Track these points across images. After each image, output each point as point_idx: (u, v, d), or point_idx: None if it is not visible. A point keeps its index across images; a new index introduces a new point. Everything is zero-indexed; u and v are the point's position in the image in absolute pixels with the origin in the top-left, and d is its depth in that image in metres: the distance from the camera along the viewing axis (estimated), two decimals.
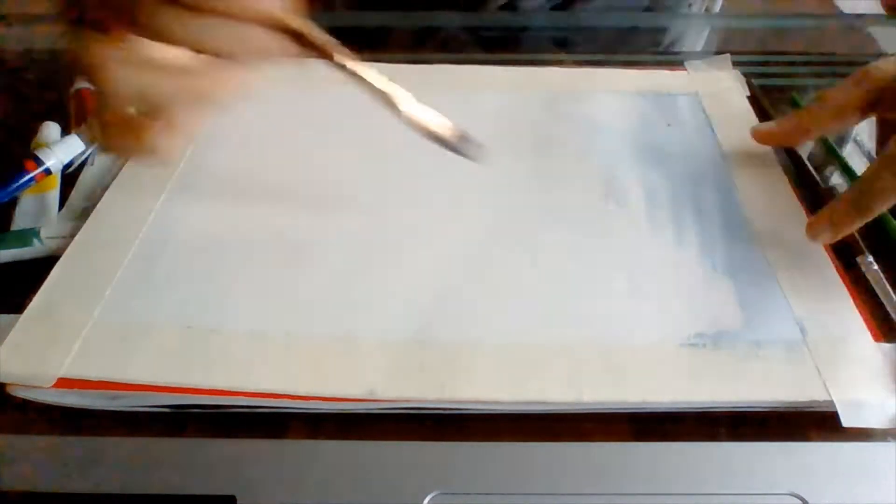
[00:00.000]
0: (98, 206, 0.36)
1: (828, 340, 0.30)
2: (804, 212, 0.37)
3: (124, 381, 0.28)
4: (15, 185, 0.37)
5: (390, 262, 0.34)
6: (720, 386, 0.28)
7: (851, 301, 0.32)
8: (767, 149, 0.41)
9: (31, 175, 0.37)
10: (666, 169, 0.40)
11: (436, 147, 0.40)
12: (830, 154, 0.42)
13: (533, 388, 0.28)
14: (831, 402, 0.27)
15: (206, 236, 0.35)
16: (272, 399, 0.28)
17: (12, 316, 0.30)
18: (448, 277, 0.33)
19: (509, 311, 0.31)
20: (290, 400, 0.27)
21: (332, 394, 0.28)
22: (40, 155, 0.38)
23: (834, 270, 0.33)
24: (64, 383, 0.28)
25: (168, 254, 0.34)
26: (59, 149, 0.39)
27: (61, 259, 0.33)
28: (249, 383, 0.28)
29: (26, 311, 0.30)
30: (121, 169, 0.39)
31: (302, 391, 0.28)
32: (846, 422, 0.27)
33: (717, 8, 0.68)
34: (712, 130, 0.43)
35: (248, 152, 0.41)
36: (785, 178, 0.39)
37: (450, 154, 0.40)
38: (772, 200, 0.37)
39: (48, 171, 0.38)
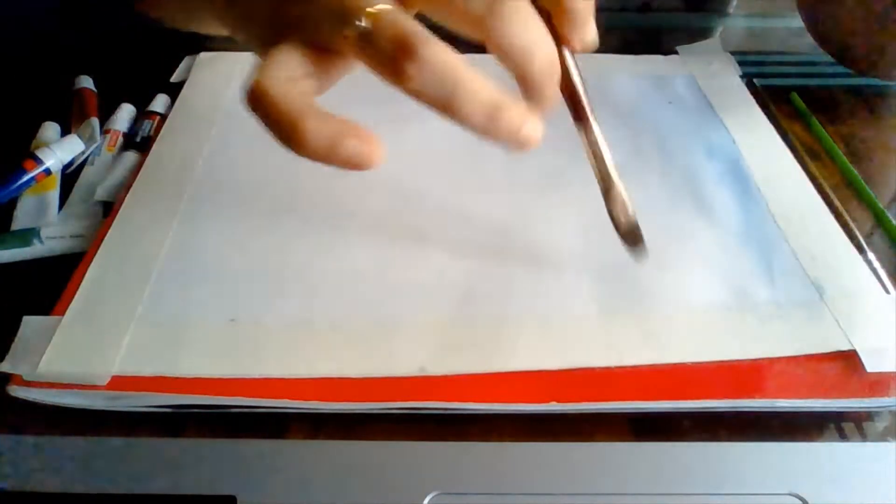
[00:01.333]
0: (125, 202, 0.36)
1: (844, 296, 0.32)
2: (809, 181, 0.38)
3: (178, 376, 0.28)
4: (15, 186, 0.37)
5: (426, 244, 0.34)
6: (748, 344, 0.29)
7: (861, 259, 0.33)
8: (767, 124, 0.42)
9: (30, 175, 0.37)
10: (673, 144, 0.41)
11: (459, 132, 0.40)
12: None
13: (575, 355, 0.29)
14: (854, 351, 0.29)
15: (237, 230, 0.35)
16: (272, 399, 0.28)
17: (53, 318, 0.30)
18: (484, 256, 0.34)
19: (544, 285, 0.32)
20: (290, 400, 0.27)
21: (388, 374, 0.28)
22: (40, 155, 0.38)
23: (843, 234, 0.35)
24: (118, 381, 0.28)
25: (202, 248, 0.34)
26: (59, 149, 0.39)
27: (95, 259, 0.33)
28: (301, 369, 0.28)
29: (67, 313, 0.30)
30: (140, 166, 0.39)
31: (352, 373, 0.28)
32: (870, 367, 0.28)
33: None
34: (711, 107, 0.44)
35: (266, 149, 0.40)
36: (787, 149, 0.40)
37: (456, 139, 0.40)
38: (777, 170, 0.39)
39: (48, 171, 0.38)
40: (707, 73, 0.48)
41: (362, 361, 0.29)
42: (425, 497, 0.25)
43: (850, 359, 0.29)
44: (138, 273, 0.33)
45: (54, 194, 0.38)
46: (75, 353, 0.29)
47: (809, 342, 0.30)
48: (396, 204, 0.37)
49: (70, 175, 0.39)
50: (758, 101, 0.46)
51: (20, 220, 0.36)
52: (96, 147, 0.40)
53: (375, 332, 0.30)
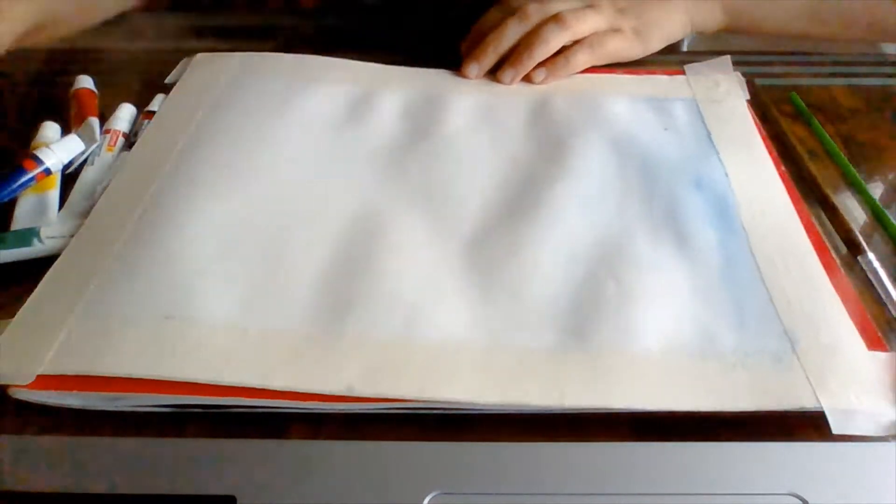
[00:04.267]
0: (94, 209, 0.36)
1: (819, 349, 0.30)
2: (801, 221, 0.36)
3: (100, 375, 0.28)
4: (15, 185, 0.37)
5: (374, 260, 0.33)
6: (705, 394, 0.28)
7: (844, 310, 0.31)
8: (766, 156, 0.40)
9: (30, 175, 0.37)
10: (661, 173, 0.39)
11: (426, 148, 0.40)
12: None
13: (514, 391, 0.28)
14: (821, 409, 0.27)
15: (190, 231, 0.34)
16: (273, 399, 0.27)
17: (6, 321, 0.30)
18: (434, 277, 0.32)
19: (494, 313, 0.31)
20: (290, 400, 0.27)
21: (310, 389, 0.27)
22: (40, 155, 0.38)
23: (827, 281, 0.33)
24: (43, 380, 0.28)
25: (151, 249, 0.33)
26: (59, 148, 0.38)
27: (56, 262, 0.33)
28: (224, 376, 0.28)
29: (19, 312, 0.30)
30: (119, 169, 0.39)
31: (278, 386, 0.28)
32: (836, 429, 0.27)
33: None
34: (709, 135, 0.42)
35: (236, 148, 0.40)
36: (782, 186, 0.38)
37: (439, 155, 0.40)
38: (767, 207, 0.37)
39: (48, 171, 0.38)
40: (711, 97, 0.46)
41: (289, 373, 0.28)
42: (425, 497, 0.25)
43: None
44: (87, 272, 0.32)
45: (54, 194, 0.38)
46: (11, 352, 0.29)
47: (772, 397, 0.28)
48: (355, 217, 0.35)
49: (70, 175, 0.39)
50: (758, 101, 0.46)
51: (20, 220, 0.36)
52: (96, 147, 0.40)
53: (308, 344, 0.29)
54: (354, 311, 0.31)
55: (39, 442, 0.27)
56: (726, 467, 0.26)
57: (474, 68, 0.47)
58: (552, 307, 0.31)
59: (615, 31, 0.48)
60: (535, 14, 0.47)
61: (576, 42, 0.47)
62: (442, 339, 0.30)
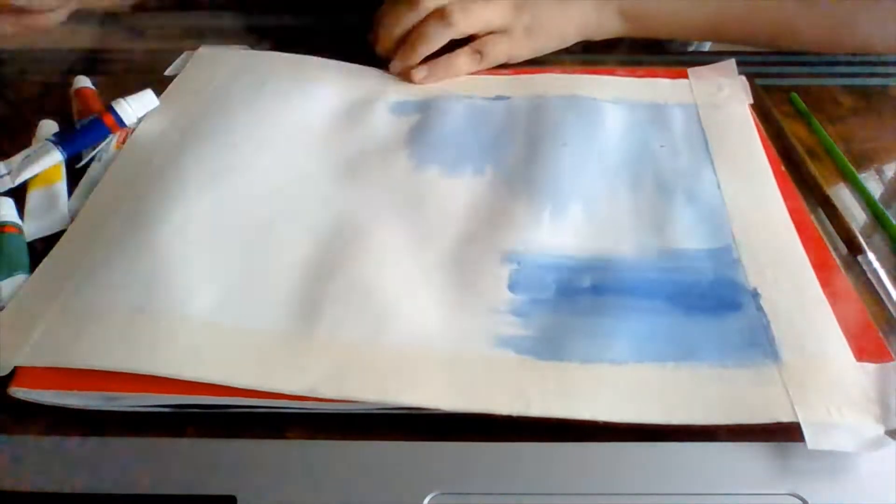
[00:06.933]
0: (85, 204, 0.36)
1: (803, 361, 0.29)
2: (796, 229, 0.35)
3: (73, 367, 0.28)
4: (92, 136, 0.39)
5: (351, 262, 0.33)
6: (675, 407, 0.27)
7: (835, 321, 0.31)
8: (765, 164, 0.40)
9: (107, 127, 0.39)
10: (652, 183, 0.38)
11: (416, 153, 0.40)
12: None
13: (480, 398, 0.28)
14: (799, 424, 0.27)
15: (170, 226, 0.34)
16: (272, 399, 0.27)
17: None
18: (409, 282, 0.32)
19: (467, 320, 0.31)
20: (290, 400, 0.27)
21: (275, 388, 0.27)
22: (116, 108, 0.40)
23: (820, 292, 0.32)
24: (21, 373, 0.28)
25: (130, 243, 0.33)
26: (134, 102, 0.40)
27: (46, 257, 0.33)
28: (193, 372, 0.28)
29: (7, 306, 0.31)
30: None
31: (241, 384, 0.28)
32: (812, 444, 0.26)
33: None
34: (706, 145, 0.41)
35: (224, 146, 0.40)
36: (779, 196, 0.37)
37: (427, 160, 0.40)
38: (761, 220, 0.36)
39: (123, 124, 0.40)
40: (713, 102, 0.44)
41: (257, 372, 0.28)
42: (425, 497, 0.25)
43: None
44: (68, 267, 0.32)
45: (61, 186, 0.38)
46: None
47: (749, 409, 0.27)
48: (336, 219, 0.35)
49: (80, 170, 0.39)
50: (758, 101, 0.45)
51: (32, 213, 0.36)
52: (106, 143, 0.40)
53: (276, 344, 0.29)
54: (326, 313, 0.31)
55: (39, 442, 0.27)
56: (726, 467, 0.26)
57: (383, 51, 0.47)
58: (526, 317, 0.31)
59: (503, 32, 0.47)
60: (423, 5, 0.45)
61: (465, 42, 0.46)
62: (411, 343, 0.30)
